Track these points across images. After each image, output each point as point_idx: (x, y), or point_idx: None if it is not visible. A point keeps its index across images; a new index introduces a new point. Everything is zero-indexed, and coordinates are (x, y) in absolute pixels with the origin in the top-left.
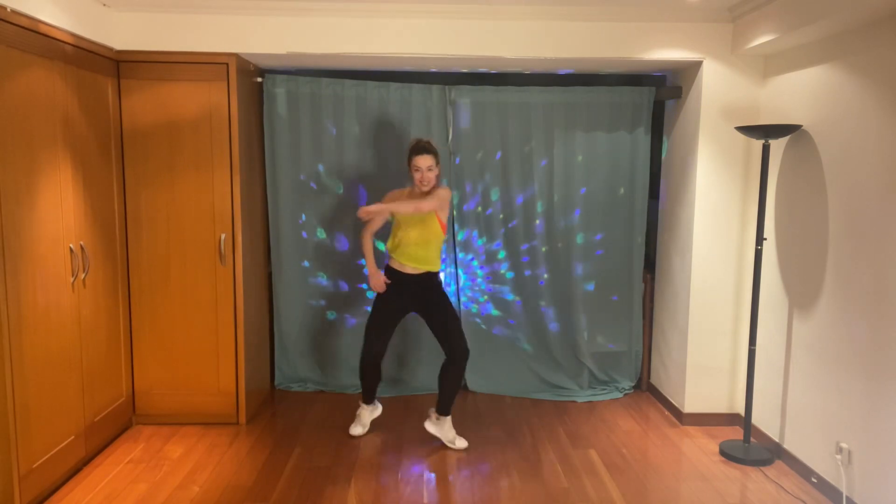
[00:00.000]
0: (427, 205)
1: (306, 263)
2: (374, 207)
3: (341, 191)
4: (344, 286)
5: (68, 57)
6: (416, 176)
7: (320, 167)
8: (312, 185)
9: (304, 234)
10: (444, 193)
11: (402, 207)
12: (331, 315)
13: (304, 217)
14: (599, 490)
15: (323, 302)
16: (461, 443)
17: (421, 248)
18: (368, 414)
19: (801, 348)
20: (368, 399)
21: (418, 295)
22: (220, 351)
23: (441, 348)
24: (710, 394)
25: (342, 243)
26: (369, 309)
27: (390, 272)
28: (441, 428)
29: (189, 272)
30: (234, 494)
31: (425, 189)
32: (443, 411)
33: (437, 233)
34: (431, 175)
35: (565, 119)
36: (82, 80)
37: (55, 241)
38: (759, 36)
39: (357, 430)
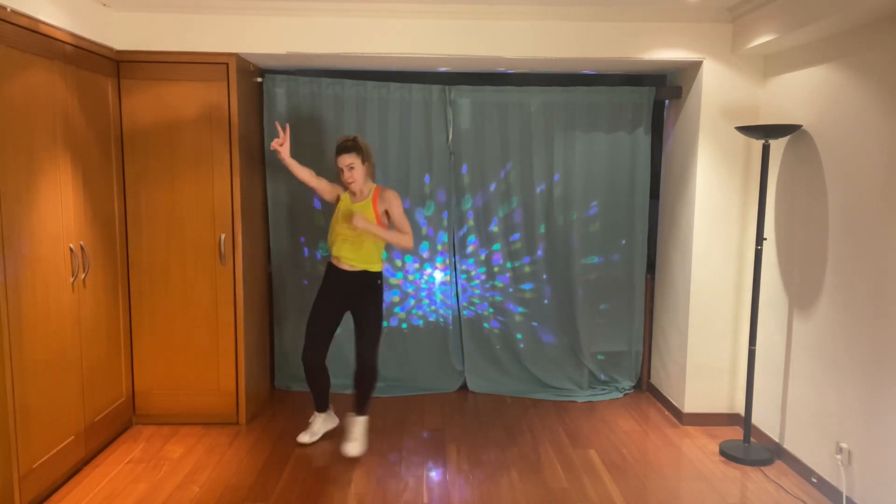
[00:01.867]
0: (407, 240)
1: (306, 263)
2: (361, 224)
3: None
4: None
5: (68, 57)
6: (341, 176)
7: (320, 167)
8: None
9: (305, 234)
10: (395, 200)
11: (386, 235)
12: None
13: (304, 216)
14: (599, 490)
15: None
16: (353, 449)
17: (355, 247)
18: (321, 423)
19: (801, 348)
20: (320, 406)
21: (353, 293)
22: (220, 351)
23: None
24: (710, 394)
25: None
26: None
27: (329, 268)
28: (352, 426)
29: (189, 272)
30: (234, 494)
31: (353, 188)
32: (359, 411)
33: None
34: (354, 173)
35: (565, 119)
36: (82, 80)
37: (55, 241)
38: (759, 36)
39: (304, 437)
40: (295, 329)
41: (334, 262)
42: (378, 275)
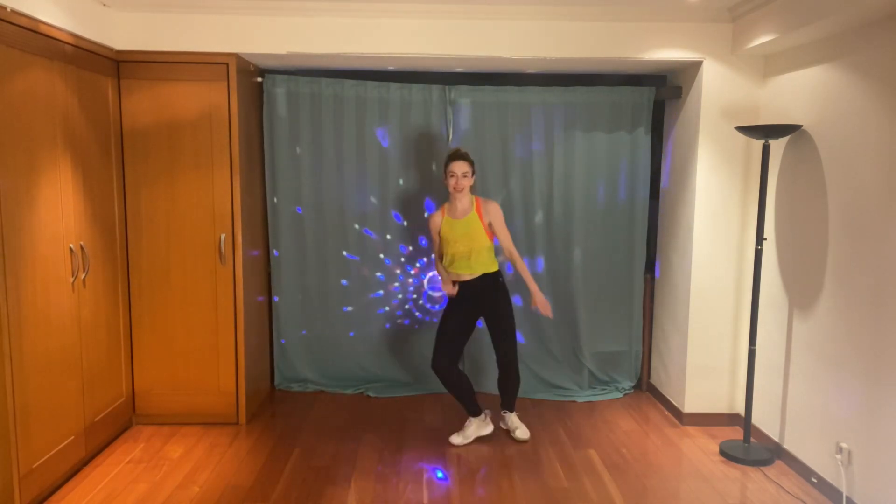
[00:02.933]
0: (516, 253)
1: (306, 263)
2: (541, 298)
3: (341, 191)
4: (344, 284)
5: (68, 57)
6: (451, 182)
7: (320, 167)
8: (312, 184)
9: (305, 235)
10: (499, 214)
11: (526, 276)
12: (329, 316)
13: (303, 216)
14: (599, 490)
15: (323, 302)
16: (522, 433)
17: (472, 259)
18: (475, 428)
19: (801, 348)
20: (471, 410)
21: (481, 298)
22: (220, 351)
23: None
24: (710, 394)
25: (341, 243)
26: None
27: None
28: (509, 422)
29: (189, 272)
30: (234, 494)
31: (460, 194)
32: (508, 408)
33: (482, 242)
34: (464, 182)
35: (565, 119)
36: (82, 80)
37: (55, 241)
38: (759, 36)
39: (457, 439)
40: (295, 329)
41: (455, 278)
42: (498, 273)
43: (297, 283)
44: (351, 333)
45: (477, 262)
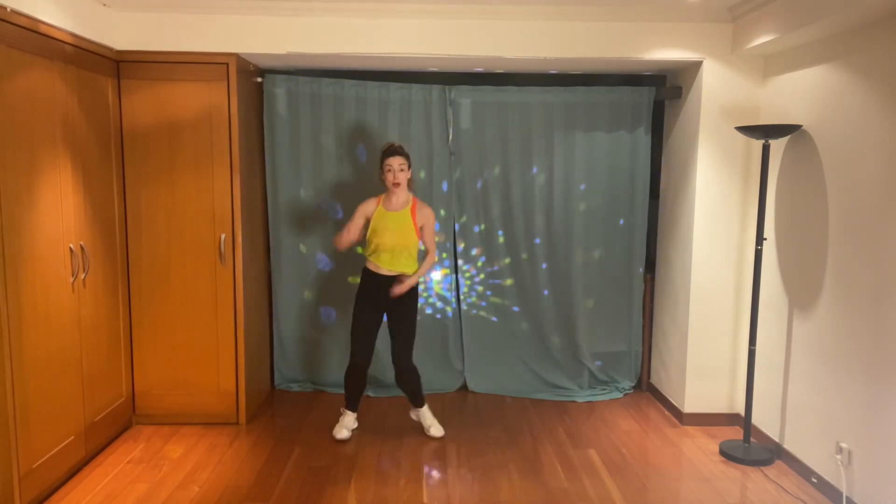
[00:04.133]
0: (433, 257)
1: (306, 263)
2: (400, 289)
3: (341, 190)
4: (344, 284)
5: (68, 57)
6: (389, 176)
7: (320, 166)
8: (312, 184)
9: (305, 235)
10: (432, 219)
11: (424, 271)
12: (330, 316)
13: (304, 216)
14: (599, 490)
15: (323, 302)
16: (437, 431)
17: (395, 255)
18: (352, 420)
19: (801, 348)
20: (353, 406)
21: (387, 296)
22: (220, 351)
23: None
24: (710, 394)
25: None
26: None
27: (366, 274)
28: (421, 417)
29: (189, 272)
30: (234, 494)
31: (398, 188)
32: (416, 404)
33: (410, 240)
34: (402, 176)
35: (565, 119)
36: (82, 80)
37: (55, 241)
38: (759, 36)
39: (343, 433)
40: (295, 329)
41: (372, 268)
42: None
43: (298, 283)
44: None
45: (399, 259)
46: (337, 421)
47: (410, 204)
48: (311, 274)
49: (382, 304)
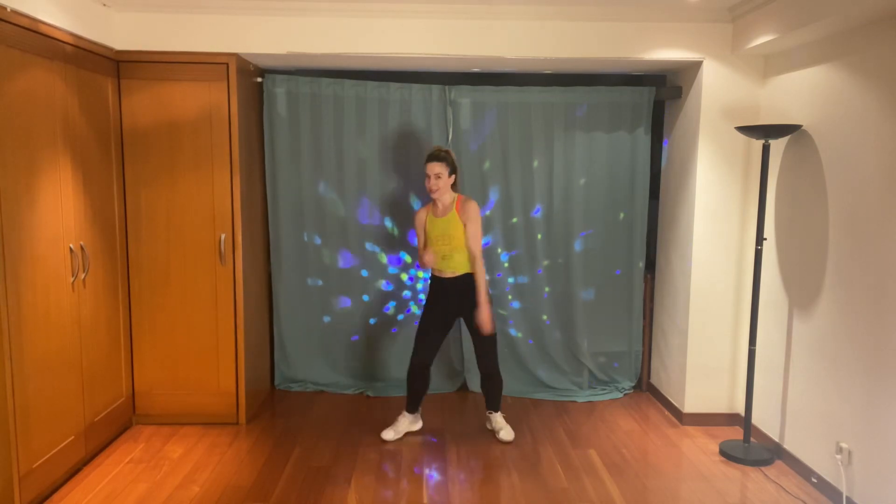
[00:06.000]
0: (480, 262)
1: (306, 263)
2: (485, 315)
3: (341, 191)
4: (345, 284)
5: (68, 57)
6: (427, 183)
7: (320, 167)
8: (312, 185)
9: (304, 235)
10: (474, 214)
11: (481, 283)
12: (329, 316)
13: (303, 216)
14: (599, 490)
15: (322, 302)
16: (506, 434)
17: (447, 259)
18: (407, 423)
19: (801, 348)
20: (411, 407)
21: (461, 298)
22: (220, 351)
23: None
24: (710, 394)
25: (341, 243)
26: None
27: (432, 278)
28: (492, 421)
29: (189, 272)
30: (234, 494)
31: (435, 195)
32: (491, 408)
33: (459, 241)
34: (440, 182)
35: (565, 119)
36: (82, 80)
37: (55, 241)
38: (759, 36)
39: (389, 434)
40: (295, 329)
41: (435, 272)
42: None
43: (298, 283)
44: (352, 334)
45: (451, 261)
46: (344, 421)
47: (455, 204)
48: (312, 273)
49: (450, 307)
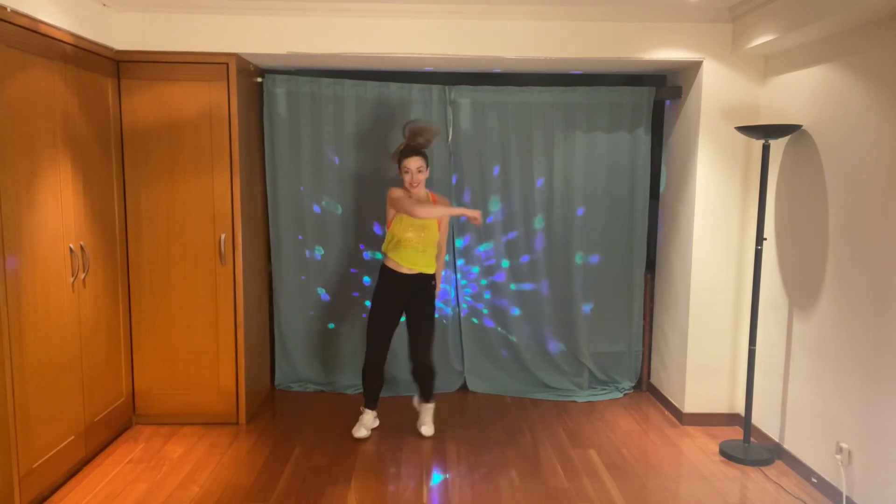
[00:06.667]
0: (444, 257)
1: (306, 263)
2: (432, 212)
3: (340, 191)
4: (345, 284)
5: (68, 57)
6: (406, 178)
7: (320, 166)
8: (312, 184)
9: (304, 235)
10: (447, 202)
11: (448, 211)
12: (330, 320)
13: (304, 217)
14: (599, 490)
15: (322, 301)
16: (427, 430)
17: (419, 252)
18: (371, 419)
19: (801, 348)
20: (371, 405)
21: (411, 294)
22: (220, 351)
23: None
24: (710, 394)
25: (341, 243)
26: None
27: (386, 272)
28: (423, 411)
29: (189, 272)
30: (234, 494)
31: (415, 191)
32: (425, 398)
33: (433, 235)
34: (420, 176)
35: (565, 119)
36: (82, 80)
37: (55, 241)
38: (759, 36)
39: (361, 431)
40: (295, 329)
41: (392, 265)
42: (432, 276)
43: (298, 283)
44: (352, 334)
45: (423, 256)
46: (344, 421)
47: (431, 199)
48: (312, 273)
49: (402, 302)
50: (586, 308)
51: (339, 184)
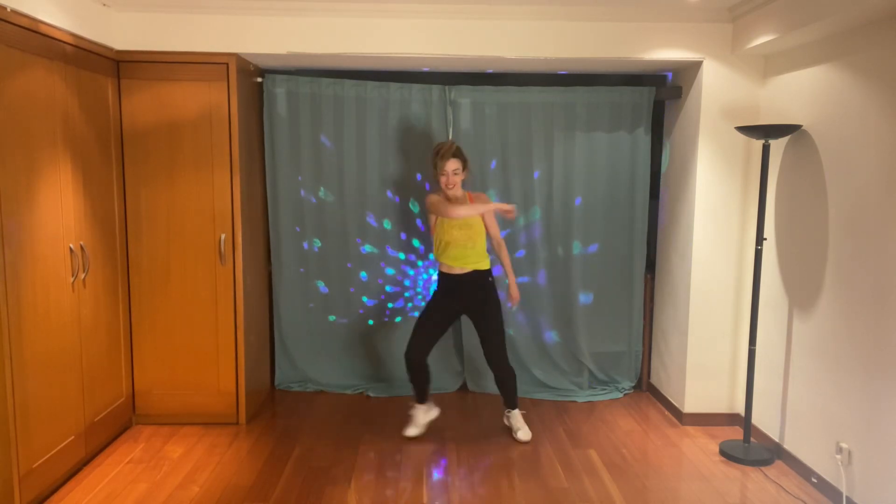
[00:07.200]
0: (503, 246)
1: (306, 263)
2: (514, 294)
3: (340, 191)
4: (344, 284)
5: (68, 57)
6: (443, 180)
7: (320, 166)
8: (312, 184)
9: (305, 235)
10: (488, 201)
11: (508, 266)
12: (332, 318)
13: (304, 217)
14: (599, 490)
15: (323, 302)
16: (524, 435)
17: (467, 249)
18: (423, 414)
19: (801, 348)
20: (420, 398)
21: (469, 296)
22: (220, 351)
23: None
24: (710, 394)
25: (340, 243)
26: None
27: (440, 277)
28: (509, 419)
29: (189, 272)
30: (234, 494)
31: (451, 192)
32: (509, 406)
33: (480, 230)
34: (457, 178)
35: (565, 119)
36: (82, 80)
37: (55, 241)
38: (759, 36)
39: (412, 431)
40: (295, 329)
41: (445, 269)
42: (489, 272)
43: (298, 283)
44: (352, 334)
45: (472, 252)
46: (338, 420)
47: (468, 198)
48: (312, 273)
49: (456, 304)
50: (586, 308)
51: (338, 184)
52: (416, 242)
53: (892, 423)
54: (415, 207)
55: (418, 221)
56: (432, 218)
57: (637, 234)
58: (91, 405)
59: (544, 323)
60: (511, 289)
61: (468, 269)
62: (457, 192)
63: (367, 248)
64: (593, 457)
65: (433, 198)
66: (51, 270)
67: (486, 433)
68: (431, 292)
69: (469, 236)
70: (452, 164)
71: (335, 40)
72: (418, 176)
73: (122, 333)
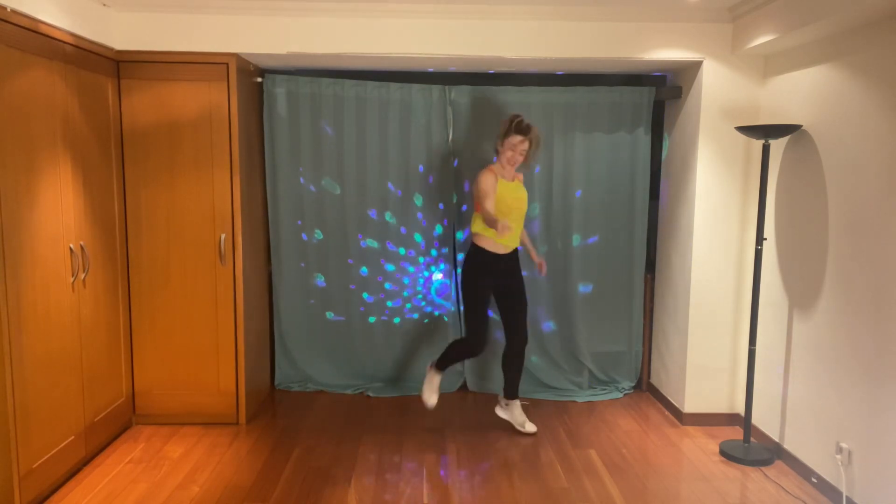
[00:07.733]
0: (536, 257)
1: (306, 258)
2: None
3: (340, 191)
4: (344, 284)
5: (68, 57)
6: (508, 154)
7: (320, 167)
8: (312, 185)
9: (304, 235)
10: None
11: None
12: (329, 315)
13: (303, 217)
14: (599, 490)
15: (322, 297)
16: (530, 427)
17: (515, 232)
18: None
19: (801, 348)
20: (443, 367)
21: (504, 273)
22: (220, 351)
23: (504, 332)
24: (710, 394)
25: (340, 244)
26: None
27: (483, 255)
28: (511, 412)
29: (189, 272)
30: (234, 494)
31: (506, 170)
32: (509, 395)
33: (526, 210)
34: (519, 158)
35: (565, 119)
36: (82, 80)
37: (55, 241)
38: (759, 36)
39: (433, 398)
40: (295, 328)
41: (490, 247)
42: (517, 250)
43: (298, 283)
44: (352, 334)
45: (517, 233)
46: (338, 421)
47: (518, 180)
48: (312, 268)
49: (500, 283)
50: (586, 308)
51: (338, 184)
52: (417, 237)
53: (892, 423)
54: (418, 201)
55: (419, 216)
56: (492, 194)
57: (637, 234)
58: (91, 405)
59: (544, 323)
60: (538, 261)
61: (511, 248)
62: (510, 171)
63: (368, 247)
64: (593, 457)
65: (488, 181)
66: (51, 270)
67: (486, 433)
68: (471, 278)
69: (521, 213)
70: (522, 143)
71: (335, 40)
72: (420, 167)
73: (122, 333)
